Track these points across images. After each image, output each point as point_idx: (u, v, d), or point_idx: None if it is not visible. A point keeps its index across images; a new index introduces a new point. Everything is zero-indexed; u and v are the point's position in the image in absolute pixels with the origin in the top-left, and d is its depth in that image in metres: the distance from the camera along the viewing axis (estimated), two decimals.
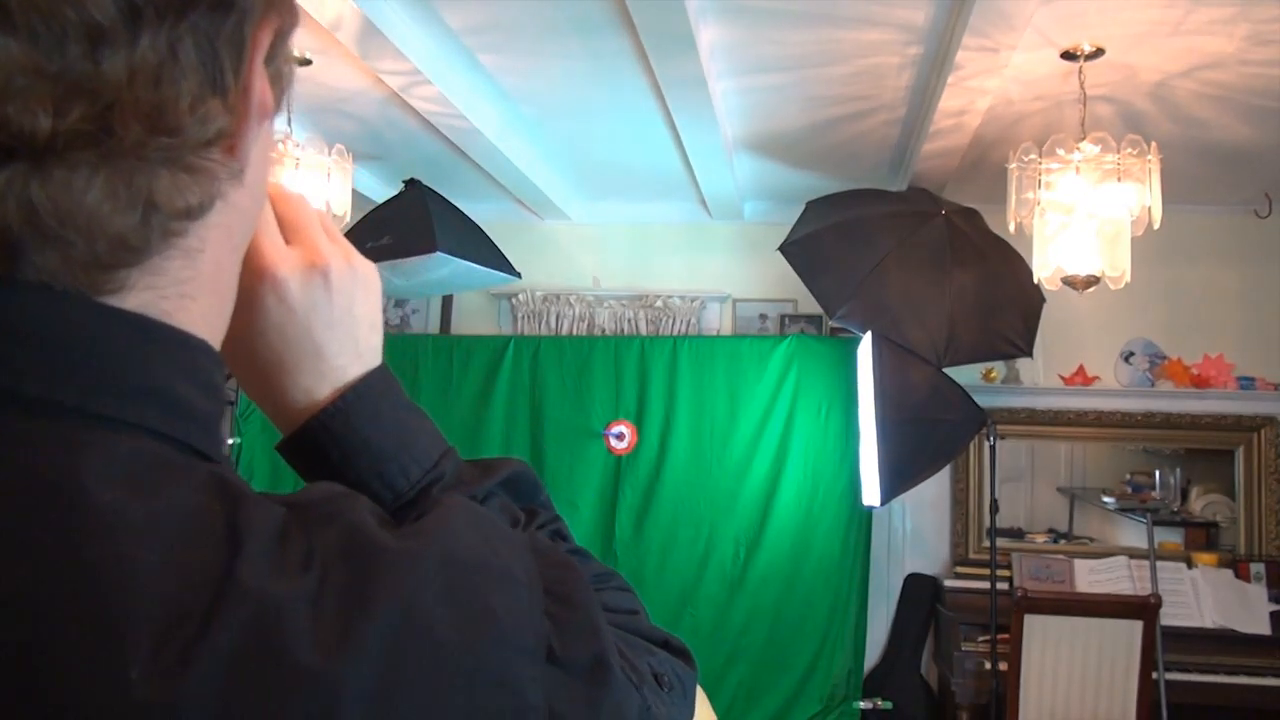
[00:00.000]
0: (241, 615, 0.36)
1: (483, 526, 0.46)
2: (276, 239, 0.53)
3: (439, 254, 3.73)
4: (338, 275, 0.54)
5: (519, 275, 4.22)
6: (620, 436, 4.45)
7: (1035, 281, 3.23)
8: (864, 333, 3.89)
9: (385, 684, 0.37)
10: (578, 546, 0.57)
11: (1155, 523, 4.02)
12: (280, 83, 0.47)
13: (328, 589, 0.38)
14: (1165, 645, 3.64)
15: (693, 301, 4.81)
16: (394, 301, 4.94)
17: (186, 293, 0.43)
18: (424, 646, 0.39)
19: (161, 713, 0.34)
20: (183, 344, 0.43)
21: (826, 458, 4.31)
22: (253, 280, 0.52)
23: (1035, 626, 3.43)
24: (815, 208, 4.16)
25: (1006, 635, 3.58)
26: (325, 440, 0.53)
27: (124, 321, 0.41)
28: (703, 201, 4.61)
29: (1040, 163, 2.98)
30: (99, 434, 0.39)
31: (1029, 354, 3.94)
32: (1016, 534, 4.60)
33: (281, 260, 0.52)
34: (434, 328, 4.97)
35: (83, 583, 0.35)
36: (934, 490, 4.49)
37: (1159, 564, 3.95)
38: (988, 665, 3.84)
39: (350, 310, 0.54)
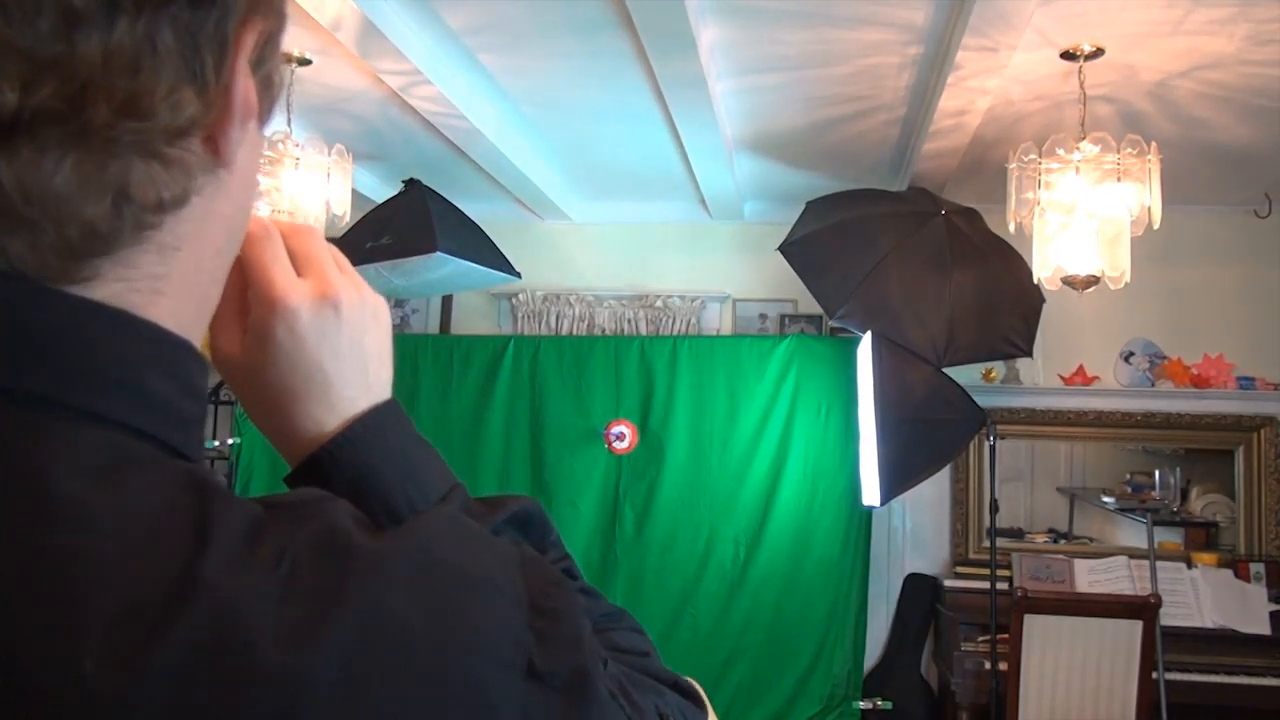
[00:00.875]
0: (203, 610, 0.35)
1: (466, 535, 0.44)
2: (288, 270, 0.53)
3: (439, 254, 3.73)
4: (348, 306, 0.54)
5: (519, 275, 4.22)
6: (620, 436, 4.45)
7: (1035, 281, 3.23)
8: (864, 333, 3.89)
9: (350, 684, 0.36)
10: (587, 585, 0.56)
11: (1155, 523, 4.01)
12: (270, 90, 0.47)
13: (297, 586, 0.37)
14: (1165, 645, 3.64)
15: (693, 301, 4.81)
16: (394, 301, 4.94)
17: (158, 288, 0.43)
18: (393, 648, 0.38)
19: (114, 705, 0.33)
20: (159, 339, 0.43)
21: (826, 458, 4.31)
22: (263, 310, 0.52)
23: (1035, 626, 3.43)
24: (815, 208, 4.16)
25: (1006, 635, 3.58)
26: (332, 471, 0.53)
27: (97, 313, 0.40)
28: (703, 201, 4.61)
29: (1040, 163, 2.98)
30: (68, 425, 0.39)
31: (1029, 354, 3.94)
32: (1016, 534, 4.60)
33: (292, 290, 0.53)
34: (434, 328, 4.97)
35: (40, 573, 0.35)
36: (934, 490, 4.49)
37: (1159, 564, 3.95)
38: (988, 665, 3.84)
39: (360, 341, 0.54)
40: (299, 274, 0.54)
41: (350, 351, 0.54)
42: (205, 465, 0.45)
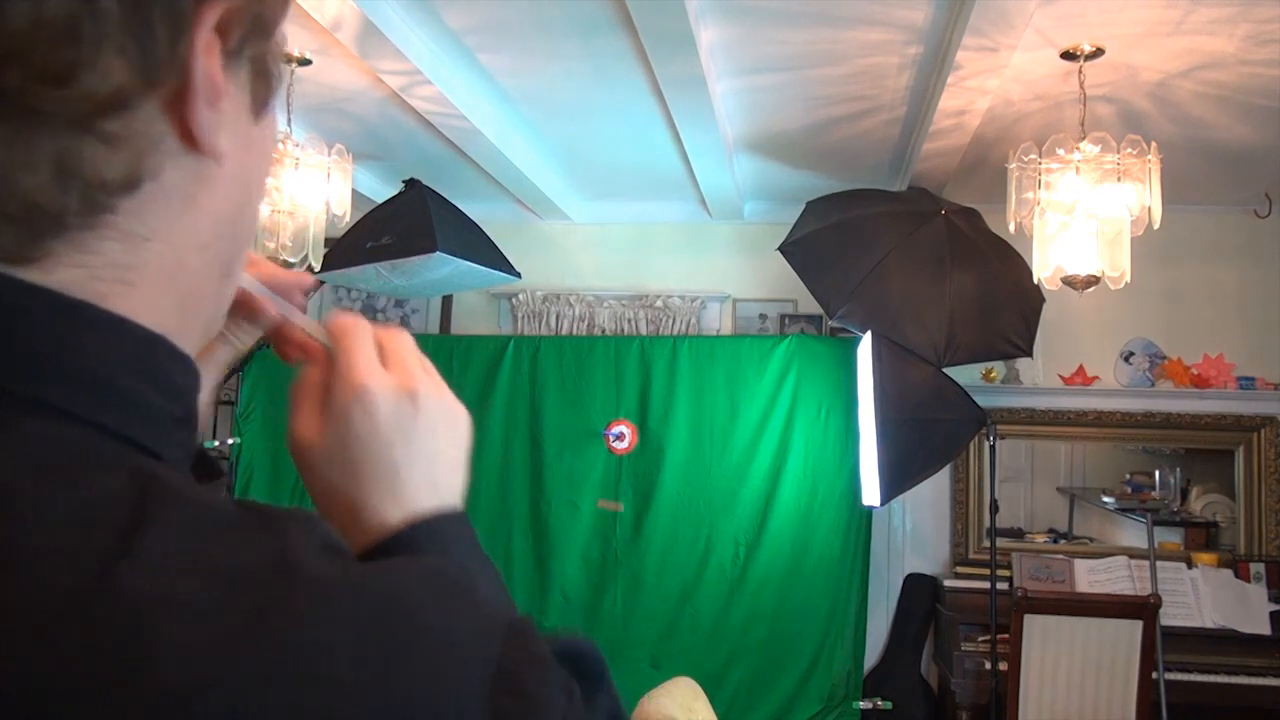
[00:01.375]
0: (106, 614, 0.33)
1: (444, 589, 0.40)
2: (373, 359, 0.54)
3: (439, 254, 3.73)
4: (426, 401, 0.54)
5: (519, 275, 4.22)
6: (620, 436, 4.45)
7: (1035, 281, 3.23)
8: (864, 333, 3.89)
9: (247, 716, 0.33)
10: None
11: (1155, 523, 4.02)
12: (267, 78, 0.46)
13: (223, 601, 0.34)
14: (1165, 645, 3.64)
15: (693, 301, 4.81)
16: (394, 301, 4.95)
17: (126, 279, 0.41)
18: (309, 688, 0.34)
19: None
20: (122, 332, 0.41)
21: (826, 458, 4.31)
22: (344, 392, 0.52)
23: (1035, 626, 3.43)
24: (815, 208, 4.16)
25: (1006, 635, 3.58)
26: None
27: (48, 299, 0.39)
28: (703, 201, 4.61)
29: (1040, 163, 2.98)
30: (14, 415, 0.37)
31: (1029, 354, 3.95)
32: (1016, 534, 4.60)
33: (375, 377, 0.53)
34: (434, 328, 4.97)
35: None
36: (934, 490, 4.49)
37: (1159, 564, 3.95)
38: (988, 665, 3.84)
39: (433, 439, 0.54)
40: (384, 367, 0.54)
41: (422, 447, 0.53)
42: (179, 468, 0.43)
